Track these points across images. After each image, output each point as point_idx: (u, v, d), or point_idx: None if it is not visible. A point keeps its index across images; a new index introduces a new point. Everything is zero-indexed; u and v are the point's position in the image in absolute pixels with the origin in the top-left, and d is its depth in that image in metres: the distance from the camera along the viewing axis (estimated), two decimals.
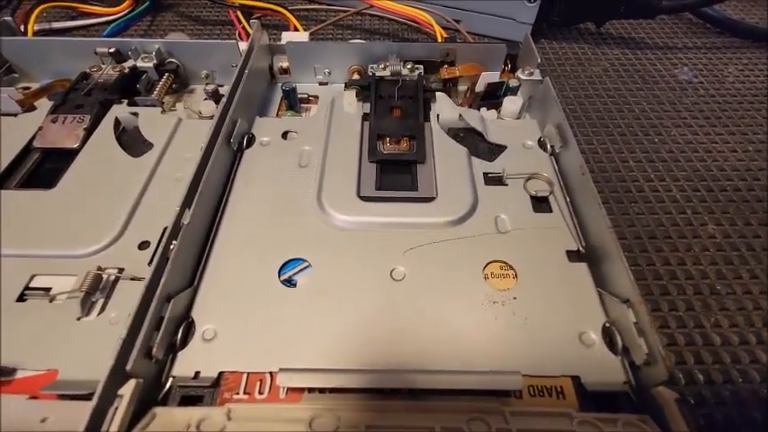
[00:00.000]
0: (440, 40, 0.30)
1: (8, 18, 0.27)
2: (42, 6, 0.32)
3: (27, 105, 0.24)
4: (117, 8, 0.35)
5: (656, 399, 0.13)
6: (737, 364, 0.17)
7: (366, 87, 0.23)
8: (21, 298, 0.16)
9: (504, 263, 0.17)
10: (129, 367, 0.12)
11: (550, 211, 0.18)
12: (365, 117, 0.22)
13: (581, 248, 0.17)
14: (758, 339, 0.18)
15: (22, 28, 0.30)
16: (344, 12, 0.33)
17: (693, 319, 0.18)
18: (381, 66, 0.24)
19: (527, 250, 0.17)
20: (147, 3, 0.35)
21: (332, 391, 0.13)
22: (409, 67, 0.23)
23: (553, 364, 0.14)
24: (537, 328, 0.15)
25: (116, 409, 0.12)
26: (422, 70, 0.23)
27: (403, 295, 0.16)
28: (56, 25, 0.34)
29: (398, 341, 0.14)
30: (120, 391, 0.12)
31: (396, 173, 0.20)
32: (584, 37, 0.34)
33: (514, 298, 0.16)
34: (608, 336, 0.15)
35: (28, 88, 0.26)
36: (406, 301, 0.15)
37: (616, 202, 0.23)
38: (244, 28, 0.33)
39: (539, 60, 0.23)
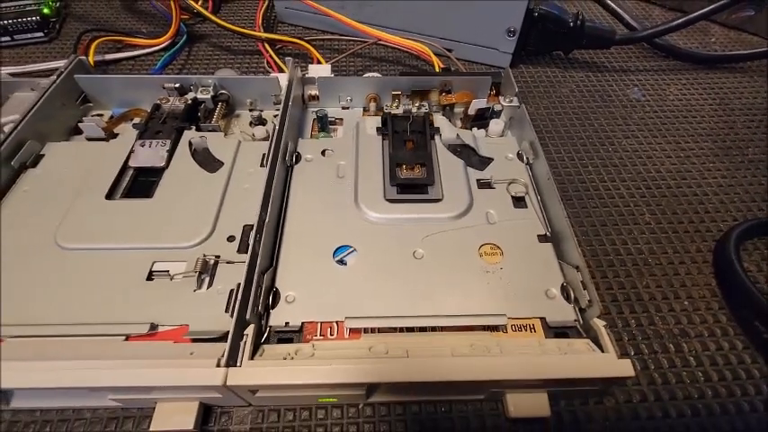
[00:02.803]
0: (437, 68, 0.36)
1: (83, 57, 0.32)
2: (98, 41, 0.38)
3: (109, 131, 0.30)
4: (157, 40, 0.40)
5: (593, 327, 0.19)
6: (659, 312, 0.24)
7: (384, 123, 0.29)
8: (149, 278, 0.22)
9: (494, 244, 0.23)
10: (247, 317, 0.19)
11: (526, 206, 0.25)
12: (378, 131, 0.28)
13: (547, 233, 0.24)
14: (675, 296, 0.25)
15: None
16: (358, 43, 0.39)
17: (630, 283, 0.25)
18: (395, 104, 0.30)
19: (509, 235, 0.24)
20: (185, 37, 0.41)
21: (380, 330, 0.20)
22: (417, 105, 0.30)
23: (527, 309, 0.21)
24: (516, 288, 0.21)
25: (244, 343, 0.18)
26: (427, 108, 0.30)
27: (423, 269, 0.22)
28: (108, 57, 0.39)
29: (422, 298, 0.21)
30: (246, 332, 0.18)
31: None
32: (555, 62, 0.40)
33: (501, 268, 0.22)
34: (564, 291, 0.21)
35: (101, 115, 0.32)
36: (425, 273, 0.22)
37: (577, 198, 0.29)
38: (271, 56, 0.39)
39: (516, 90, 0.30)
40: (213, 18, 0.39)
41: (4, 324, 0.20)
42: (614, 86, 0.38)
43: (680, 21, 0.37)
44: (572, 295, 0.21)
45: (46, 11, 0.42)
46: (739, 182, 0.31)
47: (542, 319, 0.20)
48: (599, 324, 0.19)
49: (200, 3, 0.42)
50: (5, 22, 0.40)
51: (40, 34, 0.41)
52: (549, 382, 0.18)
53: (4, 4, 0.42)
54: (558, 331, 0.20)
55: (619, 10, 0.42)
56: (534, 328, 0.20)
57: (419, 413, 0.20)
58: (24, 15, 0.41)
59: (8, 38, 0.41)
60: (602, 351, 0.18)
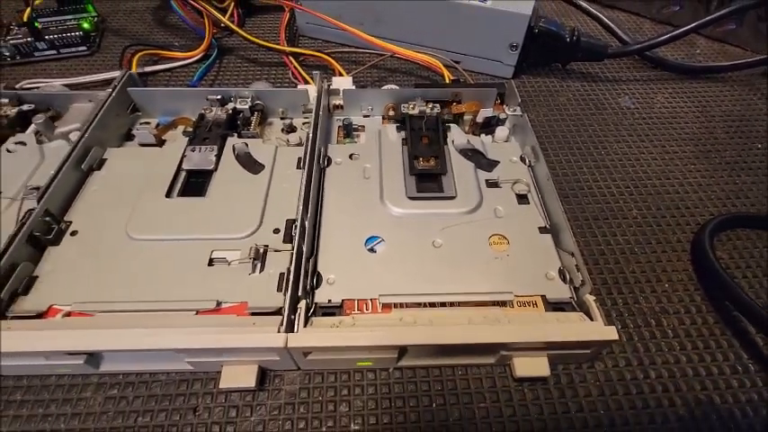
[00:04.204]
0: (447, 79, 0.40)
1: (133, 72, 0.36)
2: (139, 54, 0.42)
3: (158, 138, 0.34)
4: (191, 53, 0.44)
5: (585, 302, 0.23)
6: (643, 293, 0.28)
7: (402, 122, 0.33)
8: (210, 263, 0.26)
9: (501, 235, 0.27)
10: (299, 294, 0.23)
11: (528, 203, 0.29)
12: (404, 143, 0.32)
13: (547, 225, 0.28)
14: (657, 279, 0.29)
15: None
16: (375, 56, 0.43)
17: (618, 269, 0.29)
18: (411, 106, 0.34)
19: (514, 227, 0.27)
20: (216, 51, 0.45)
21: (407, 306, 0.24)
22: (430, 106, 0.34)
23: (530, 288, 0.24)
24: (521, 271, 0.25)
25: (298, 315, 0.22)
26: (439, 108, 0.34)
27: (441, 255, 0.26)
28: (147, 69, 0.43)
29: (441, 279, 0.25)
30: (299, 306, 0.22)
31: (429, 182, 0.30)
32: (553, 73, 0.44)
33: (507, 255, 0.26)
34: (561, 273, 0.25)
35: (148, 123, 0.36)
36: (443, 259, 0.26)
37: (573, 195, 0.33)
38: (296, 68, 0.43)
39: (519, 100, 0.34)
40: (241, 32, 0.43)
41: (93, 301, 0.24)
42: (607, 95, 0.42)
43: (666, 36, 0.41)
44: (567, 277, 0.25)
45: (86, 26, 0.46)
46: (716, 181, 0.35)
47: (543, 297, 0.24)
48: (590, 299, 0.23)
49: (226, 17, 0.46)
50: (52, 37, 0.44)
51: (83, 48, 0.45)
52: (548, 345, 0.22)
53: (47, 19, 0.45)
54: (555, 306, 0.24)
55: (612, 25, 0.46)
56: (536, 304, 0.24)
57: (439, 375, 0.24)
58: (67, 31, 0.45)
59: (54, 51, 0.45)
60: (592, 320, 0.22)
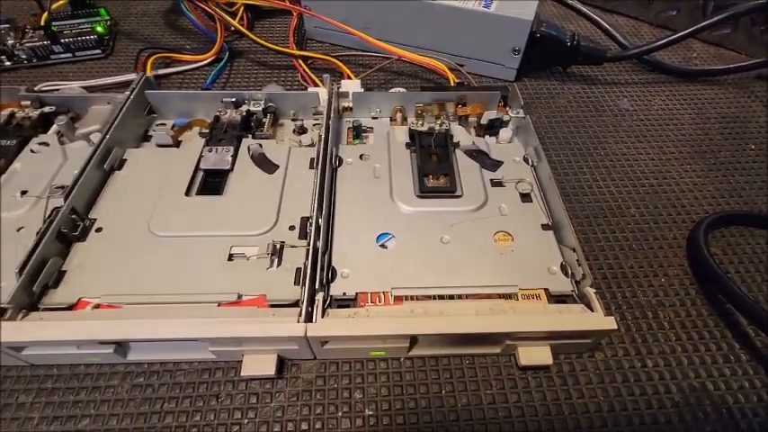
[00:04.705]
0: (452, 82, 0.42)
1: (150, 75, 0.38)
2: (153, 57, 0.43)
3: (175, 139, 0.35)
4: (203, 56, 0.45)
5: (585, 295, 0.25)
6: (641, 287, 0.29)
7: (412, 139, 0.34)
8: (229, 258, 0.27)
9: (506, 232, 0.28)
10: (317, 287, 0.24)
11: (531, 201, 0.30)
12: (407, 146, 0.34)
13: (549, 223, 0.29)
14: (654, 274, 0.30)
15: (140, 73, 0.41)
16: (381, 59, 0.44)
17: (617, 264, 0.30)
18: (420, 122, 0.35)
19: (518, 225, 0.29)
20: (227, 54, 0.46)
21: (418, 298, 0.25)
22: (439, 122, 0.35)
23: (534, 282, 0.26)
24: (525, 266, 0.27)
25: (316, 306, 0.23)
26: (448, 126, 0.34)
27: (449, 251, 0.27)
28: (160, 71, 0.45)
29: (449, 273, 0.26)
30: (317, 298, 0.24)
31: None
32: (554, 76, 0.46)
33: (512, 251, 0.27)
34: (563, 268, 0.26)
35: (164, 124, 0.37)
36: (451, 254, 0.27)
37: (574, 194, 0.35)
38: (305, 71, 0.44)
39: (522, 103, 0.35)
40: (252, 36, 0.44)
41: (120, 294, 0.25)
42: (606, 98, 0.44)
43: (663, 41, 0.43)
44: (569, 271, 0.26)
45: (100, 29, 0.47)
46: (711, 181, 0.36)
47: (546, 290, 0.26)
48: (590, 291, 0.24)
49: (236, 20, 0.47)
50: (68, 40, 0.45)
51: (98, 51, 0.46)
52: (551, 335, 0.23)
53: (62, 22, 0.47)
54: (558, 299, 0.26)
55: (611, 29, 0.47)
56: (539, 297, 0.25)
57: (448, 364, 0.25)
58: (82, 34, 0.46)
59: (70, 54, 0.46)
60: (593, 311, 0.24)
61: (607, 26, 0.47)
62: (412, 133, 0.34)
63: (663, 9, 0.52)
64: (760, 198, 0.35)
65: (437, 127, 0.35)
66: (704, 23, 0.43)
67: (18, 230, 0.28)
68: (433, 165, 0.32)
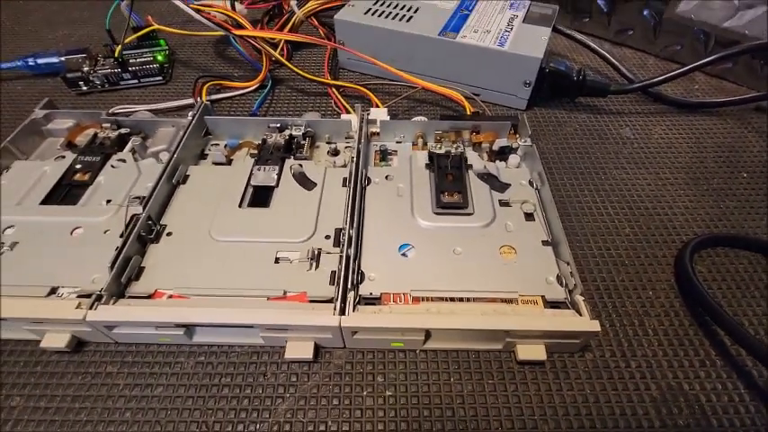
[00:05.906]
0: (468, 110, 0.47)
1: (208, 102, 0.44)
2: (207, 84, 0.50)
3: (228, 158, 0.41)
4: (250, 83, 0.52)
5: (576, 302, 0.29)
6: (629, 299, 0.33)
7: (431, 160, 0.39)
8: (276, 261, 0.32)
9: (510, 246, 0.33)
10: (348, 287, 0.29)
11: (534, 220, 0.35)
12: (427, 166, 0.39)
13: (549, 239, 0.33)
14: (642, 288, 0.34)
15: (198, 99, 0.47)
16: (406, 88, 0.50)
17: (610, 278, 0.34)
18: (438, 146, 0.40)
19: (521, 240, 0.33)
20: (270, 82, 0.52)
21: (433, 299, 0.30)
22: (455, 146, 0.40)
23: (532, 290, 0.30)
24: (526, 276, 0.31)
25: (349, 302, 0.28)
26: (463, 150, 0.39)
27: (460, 261, 0.32)
28: (213, 97, 0.51)
29: (460, 280, 0.31)
30: (348, 296, 0.29)
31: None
32: (562, 106, 0.50)
33: (515, 263, 0.32)
34: (559, 279, 0.31)
35: (217, 144, 0.43)
36: (462, 264, 0.32)
37: (574, 214, 0.39)
38: (338, 99, 0.50)
39: (529, 132, 0.40)
40: (291, 66, 0.51)
41: (188, 287, 0.31)
42: (610, 126, 0.48)
43: (663, 77, 0.47)
44: (563, 281, 0.31)
45: (160, 58, 0.54)
46: (702, 205, 0.40)
47: (543, 297, 0.30)
48: (579, 299, 0.29)
49: (277, 51, 0.53)
50: (134, 68, 0.52)
51: (159, 78, 0.53)
52: (545, 334, 0.28)
53: (128, 52, 0.54)
54: (553, 305, 0.30)
55: (617, 63, 0.51)
56: (537, 302, 0.30)
57: (456, 357, 0.30)
58: (146, 63, 0.53)
59: (136, 80, 0.53)
60: (581, 316, 0.28)
61: (614, 60, 0.52)
62: (431, 155, 0.40)
63: (668, 43, 0.56)
64: (747, 222, 0.38)
65: (453, 150, 0.40)
66: (701, 62, 0.47)
67: (105, 233, 0.34)
68: (449, 183, 0.37)
